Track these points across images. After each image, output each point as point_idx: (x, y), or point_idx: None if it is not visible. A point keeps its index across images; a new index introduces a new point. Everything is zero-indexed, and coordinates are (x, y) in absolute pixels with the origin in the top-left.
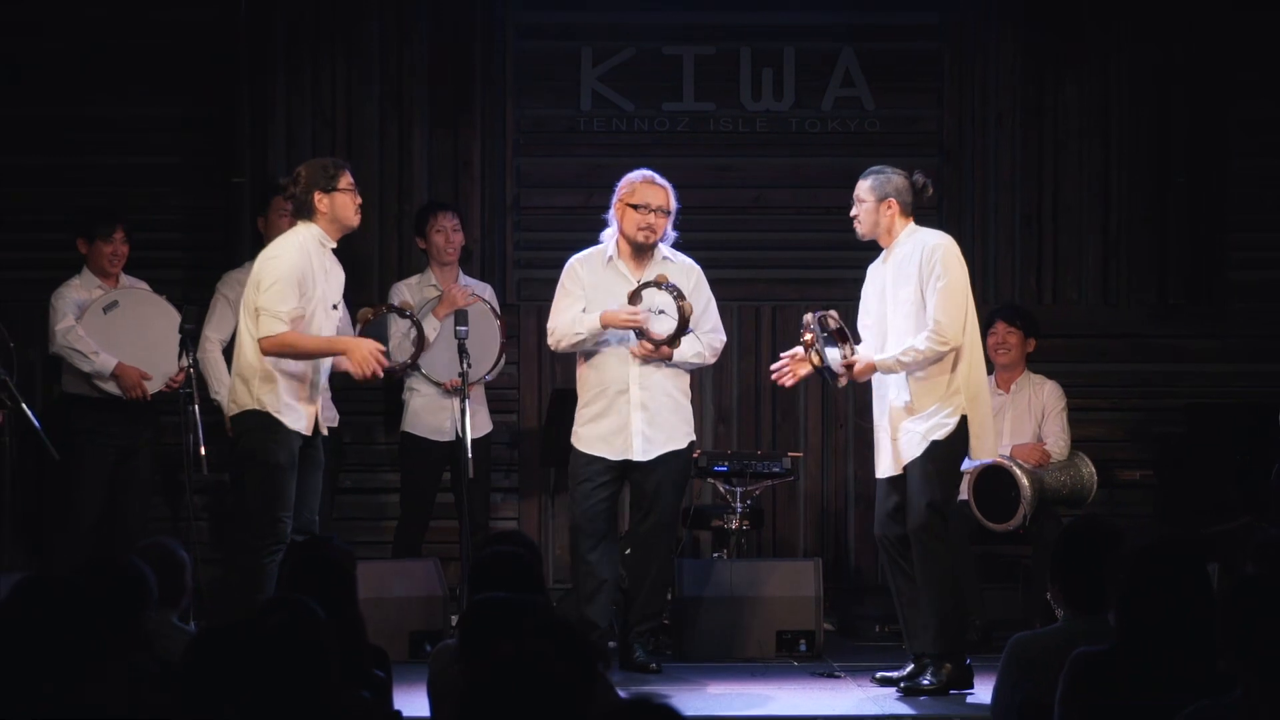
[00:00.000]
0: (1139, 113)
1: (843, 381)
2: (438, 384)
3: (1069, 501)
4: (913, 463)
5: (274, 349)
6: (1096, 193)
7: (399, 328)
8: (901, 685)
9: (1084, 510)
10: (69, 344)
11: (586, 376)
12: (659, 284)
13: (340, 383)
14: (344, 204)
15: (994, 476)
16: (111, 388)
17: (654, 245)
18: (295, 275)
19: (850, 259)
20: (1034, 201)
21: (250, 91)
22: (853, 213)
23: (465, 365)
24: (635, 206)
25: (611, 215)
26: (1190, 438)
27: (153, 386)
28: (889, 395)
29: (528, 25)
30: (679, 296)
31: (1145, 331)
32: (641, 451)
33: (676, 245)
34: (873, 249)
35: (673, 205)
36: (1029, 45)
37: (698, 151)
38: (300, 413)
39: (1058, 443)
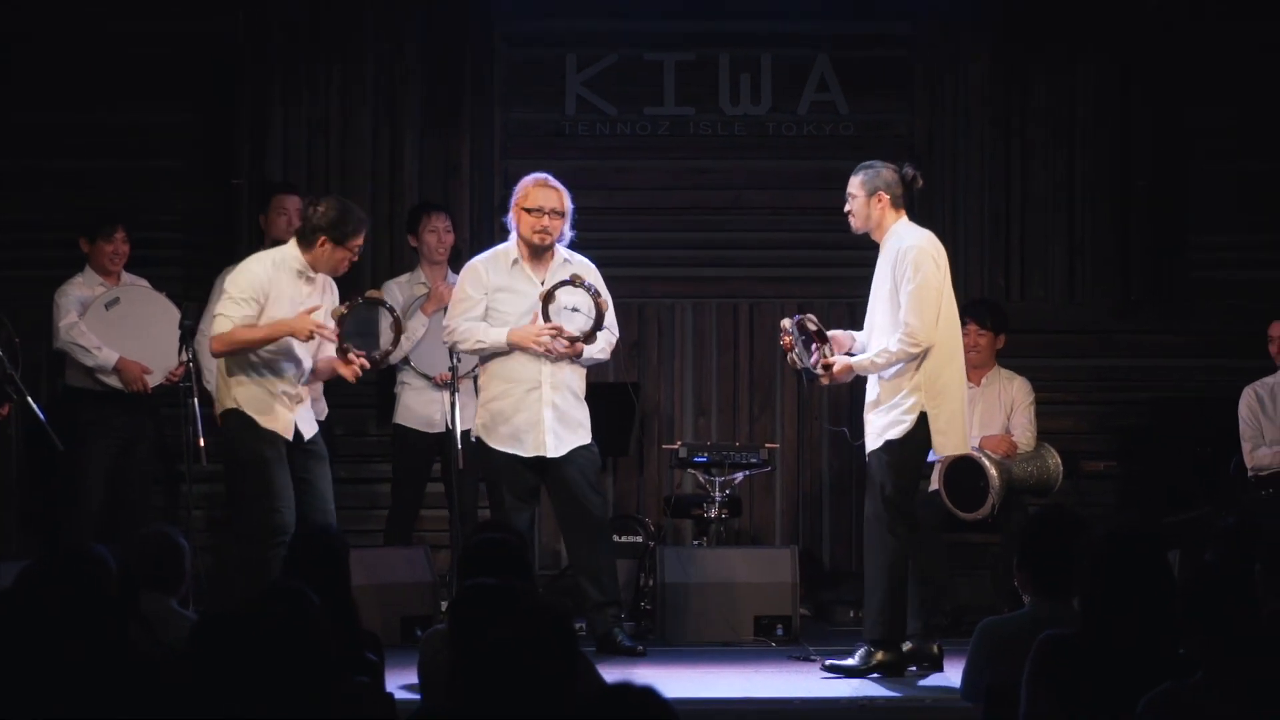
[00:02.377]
0: (1102, 118)
1: (824, 381)
2: (428, 378)
3: (1036, 491)
4: (870, 454)
5: (222, 348)
6: (1062, 194)
7: (382, 319)
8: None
9: (1050, 500)
10: (72, 339)
11: (494, 370)
12: (574, 283)
13: (335, 379)
14: (340, 260)
15: (963, 467)
16: (113, 381)
17: (550, 246)
18: (256, 289)
19: (826, 258)
20: (1002, 203)
21: (249, 97)
22: (846, 208)
23: (455, 360)
24: (529, 210)
25: (510, 219)
26: (1152, 430)
27: (153, 380)
28: (866, 389)
29: (515, 34)
30: (595, 294)
31: (1109, 327)
32: (553, 448)
33: (647, 243)
34: (846, 248)
35: (567, 206)
36: (997, 53)
37: (678, 154)
38: (277, 415)
39: (1025, 434)
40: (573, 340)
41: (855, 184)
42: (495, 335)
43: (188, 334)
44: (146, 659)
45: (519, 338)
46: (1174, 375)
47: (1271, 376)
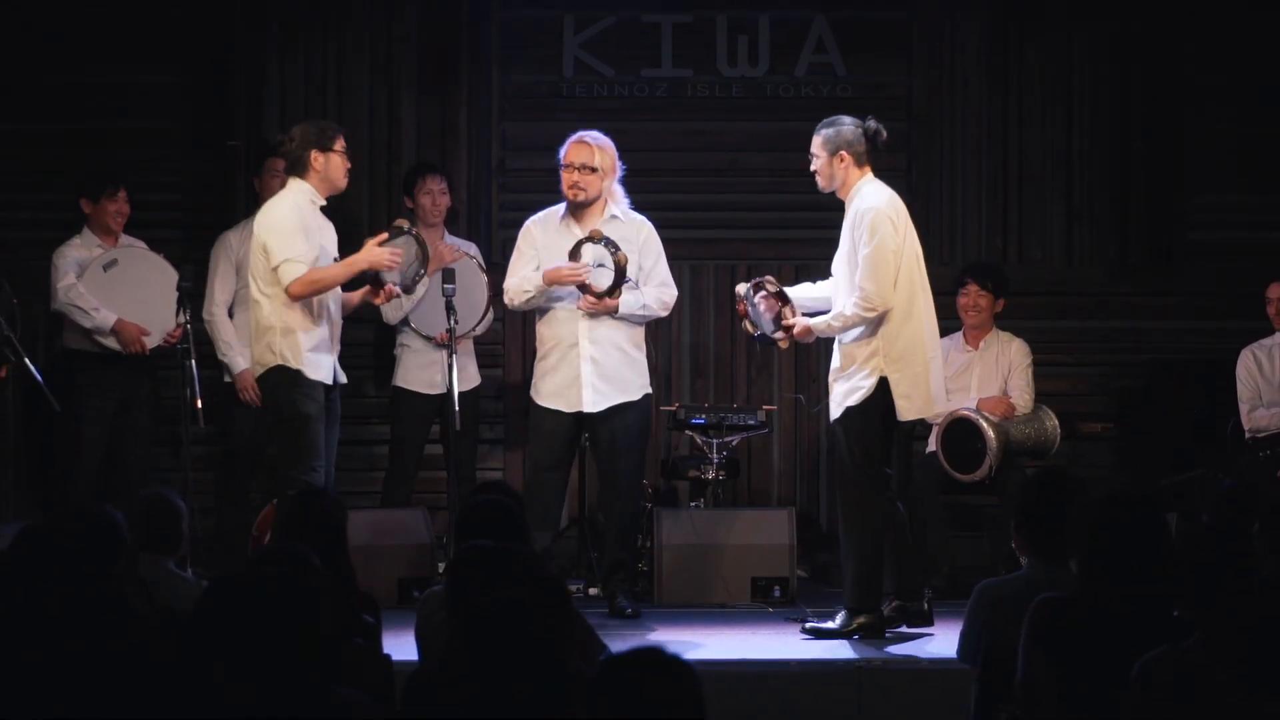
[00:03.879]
0: (1100, 80)
1: (784, 344)
2: (428, 338)
3: (1033, 453)
4: (833, 424)
5: (303, 289)
6: (1060, 157)
7: (408, 246)
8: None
9: (1047, 461)
10: (70, 301)
11: (542, 332)
12: (594, 239)
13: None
14: (337, 165)
15: (961, 429)
16: (111, 343)
17: (591, 203)
18: (299, 225)
19: (822, 219)
20: (999, 165)
21: (245, 59)
22: (811, 168)
23: (453, 321)
24: (564, 166)
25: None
26: (1149, 392)
27: (151, 341)
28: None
29: None
30: (614, 249)
31: (1107, 290)
32: (591, 403)
33: (645, 205)
34: (841, 209)
35: (600, 163)
36: (994, 15)
37: (676, 116)
38: (321, 362)
39: (1022, 397)
40: (598, 296)
41: (817, 143)
42: (534, 279)
43: (185, 295)
44: (144, 620)
45: (552, 275)
46: (1172, 337)
47: (1269, 338)
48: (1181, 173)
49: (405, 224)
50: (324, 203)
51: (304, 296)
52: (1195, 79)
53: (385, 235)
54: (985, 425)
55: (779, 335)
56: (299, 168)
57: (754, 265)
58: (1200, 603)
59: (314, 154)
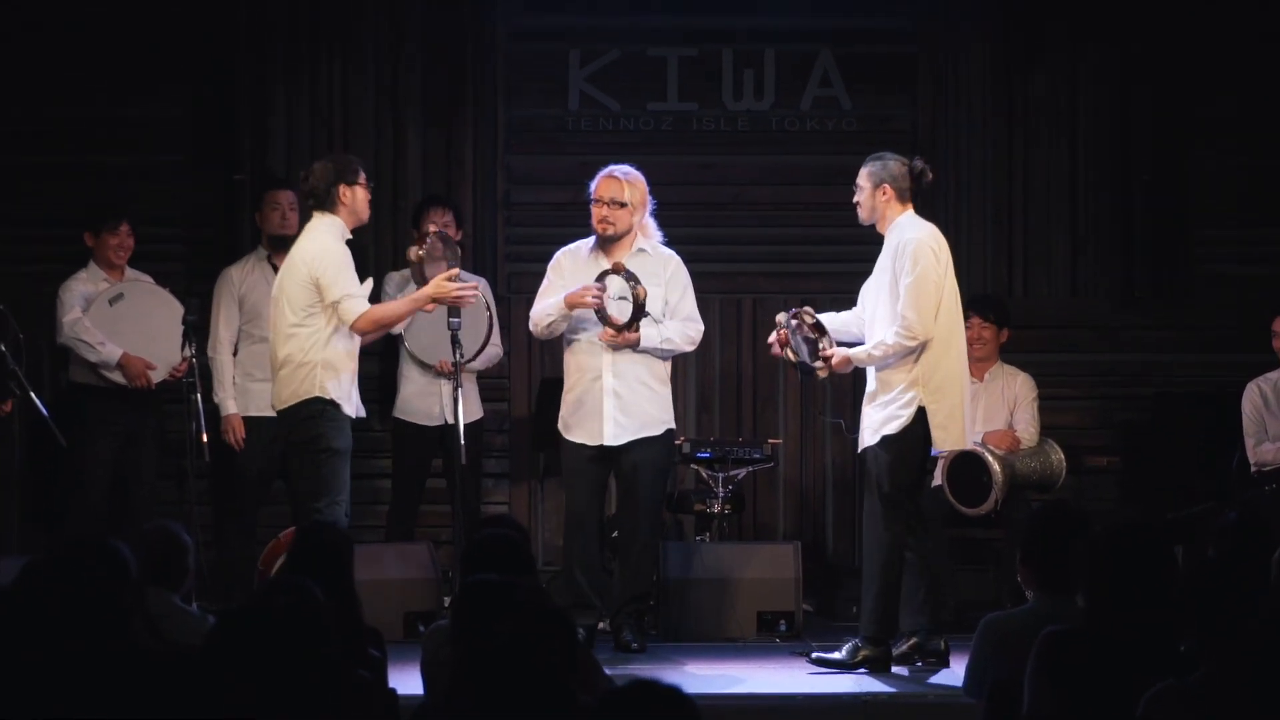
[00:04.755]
0: (1105, 112)
1: (822, 374)
2: (427, 366)
3: (1039, 486)
4: (867, 450)
5: (368, 325)
6: (1064, 189)
7: (447, 253)
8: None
9: (1053, 495)
10: (76, 335)
11: (568, 364)
12: (615, 271)
13: None
14: (362, 198)
15: (967, 462)
16: (117, 377)
17: (619, 238)
18: (348, 260)
19: (829, 253)
20: (1004, 197)
21: (250, 91)
22: (855, 199)
23: (458, 355)
24: (593, 201)
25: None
26: (1155, 425)
27: (157, 376)
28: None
29: (518, 28)
30: (634, 283)
31: (1112, 322)
32: (612, 437)
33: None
34: (849, 244)
35: (630, 198)
36: (999, 48)
37: (681, 150)
38: (355, 398)
39: (1027, 430)
40: (618, 329)
41: (863, 175)
42: (555, 303)
43: (191, 329)
44: (150, 654)
45: (572, 298)
46: (1177, 370)
47: (1275, 372)
48: (1188, 204)
49: (437, 227)
50: (350, 237)
51: (368, 332)
52: (1202, 110)
53: (420, 244)
54: (990, 459)
55: (818, 365)
56: (326, 204)
57: (760, 299)
58: (1205, 636)
59: (342, 188)
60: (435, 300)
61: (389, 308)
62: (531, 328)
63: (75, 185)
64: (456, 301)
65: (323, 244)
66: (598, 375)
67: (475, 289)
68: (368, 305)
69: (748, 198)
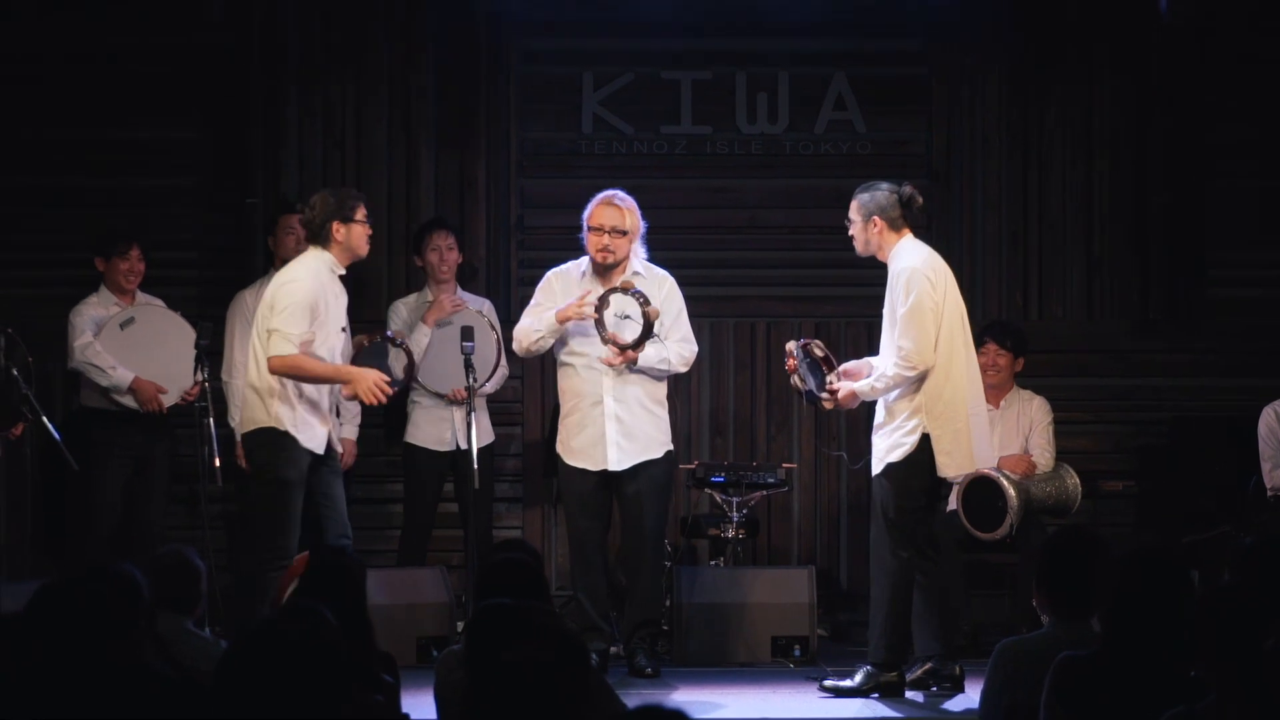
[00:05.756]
0: (1121, 134)
1: (828, 406)
2: (439, 395)
3: (1054, 511)
4: (874, 478)
5: (281, 369)
6: (1080, 212)
7: (394, 355)
8: (824, 683)
9: (1069, 520)
10: (87, 359)
11: (563, 388)
12: (624, 290)
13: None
14: (359, 235)
15: (982, 487)
16: (128, 401)
17: (615, 266)
18: (309, 300)
19: (842, 277)
20: (1019, 221)
21: (263, 115)
22: (849, 232)
23: (471, 379)
24: (592, 228)
25: (583, 236)
26: (1171, 450)
27: (168, 400)
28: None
29: (531, 51)
30: (644, 302)
31: (1127, 346)
32: (616, 461)
33: (664, 261)
34: (863, 267)
35: (630, 225)
36: (1013, 70)
37: (695, 173)
38: (315, 431)
39: (1043, 455)
40: (622, 348)
41: (853, 208)
42: (546, 319)
43: (203, 354)
44: (162, 680)
45: (562, 312)
46: (1193, 394)
47: None
48: (1204, 228)
49: (401, 336)
50: (343, 271)
51: (281, 374)
52: (1218, 132)
53: (370, 338)
54: (1006, 484)
55: (824, 396)
56: (320, 238)
57: (774, 323)
58: (1216, 662)
59: (335, 225)
60: (354, 385)
61: (311, 364)
62: (515, 345)
63: (87, 209)
64: (366, 396)
65: (294, 276)
66: (598, 400)
67: (386, 391)
68: (294, 350)
69: (761, 221)
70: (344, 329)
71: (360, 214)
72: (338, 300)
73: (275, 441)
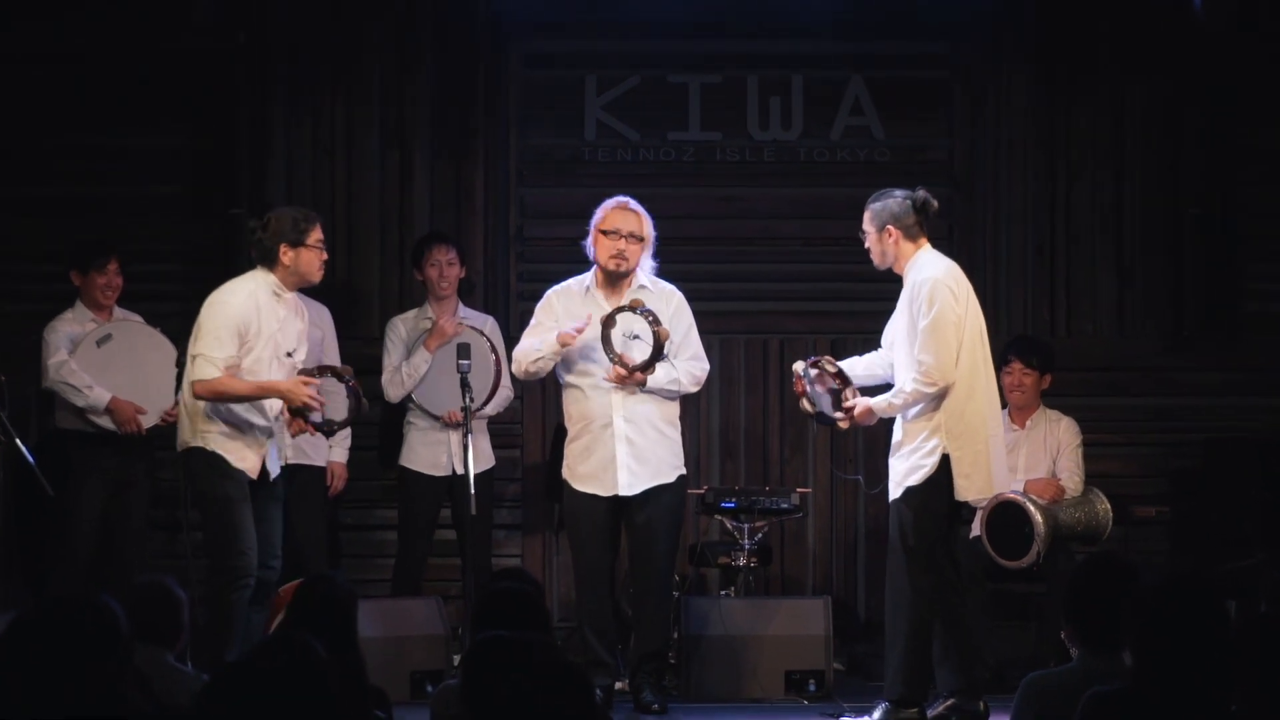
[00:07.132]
0: (1152, 142)
1: (844, 425)
2: (435, 418)
3: (1084, 538)
4: (892, 503)
5: (206, 393)
6: (1109, 223)
7: (343, 393)
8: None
9: (1099, 547)
10: (62, 378)
11: (570, 411)
12: (633, 308)
13: None
14: (309, 260)
15: (1007, 512)
16: (106, 422)
17: (628, 274)
18: (236, 323)
19: (860, 290)
20: (1046, 232)
21: (249, 121)
22: (865, 245)
23: (468, 400)
24: (605, 233)
25: (588, 244)
26: (1206, 473)
27: (148, 421)
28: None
29: (532, 53)
30: (654, 321)
31: (1160, 364)
32: (627, 486)
33: (672, 274)
34: (880, 281)
35: (647, 233)
36: (1039, 74)
37: (704, 182)
38: (245, 454)
39: (1072, 478)
40: (631, 370)
41: (866, 219)
42: (547, 340)
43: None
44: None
45: (564, 336)
46: (1229, 414)
47: None
48: (1239, 240)
49: (348, 372)
50: (289, 295)
51: (204, 399)
52: (1253, 140)
53: (315, 372)
54: (1032, 509)
55: (839, 416)
56: (267, 259)
57: (787, 339)
58: (1255, 696)
59: (283, 248)
60: (286, 396)
61: (235, 385)
62: (514, 367)
63: (65, 219)
64: (302, 401)
65: (223, 299)
66: (607, 422)
67: (319, 398)
68: (219, 374)
69: (774, 233)
70: (291, 354)
71: (313, 238)
72: (282, 325)
73: (207, 460)
